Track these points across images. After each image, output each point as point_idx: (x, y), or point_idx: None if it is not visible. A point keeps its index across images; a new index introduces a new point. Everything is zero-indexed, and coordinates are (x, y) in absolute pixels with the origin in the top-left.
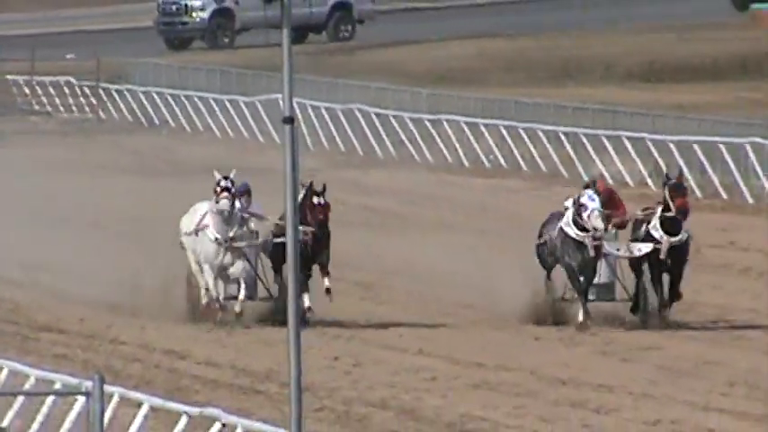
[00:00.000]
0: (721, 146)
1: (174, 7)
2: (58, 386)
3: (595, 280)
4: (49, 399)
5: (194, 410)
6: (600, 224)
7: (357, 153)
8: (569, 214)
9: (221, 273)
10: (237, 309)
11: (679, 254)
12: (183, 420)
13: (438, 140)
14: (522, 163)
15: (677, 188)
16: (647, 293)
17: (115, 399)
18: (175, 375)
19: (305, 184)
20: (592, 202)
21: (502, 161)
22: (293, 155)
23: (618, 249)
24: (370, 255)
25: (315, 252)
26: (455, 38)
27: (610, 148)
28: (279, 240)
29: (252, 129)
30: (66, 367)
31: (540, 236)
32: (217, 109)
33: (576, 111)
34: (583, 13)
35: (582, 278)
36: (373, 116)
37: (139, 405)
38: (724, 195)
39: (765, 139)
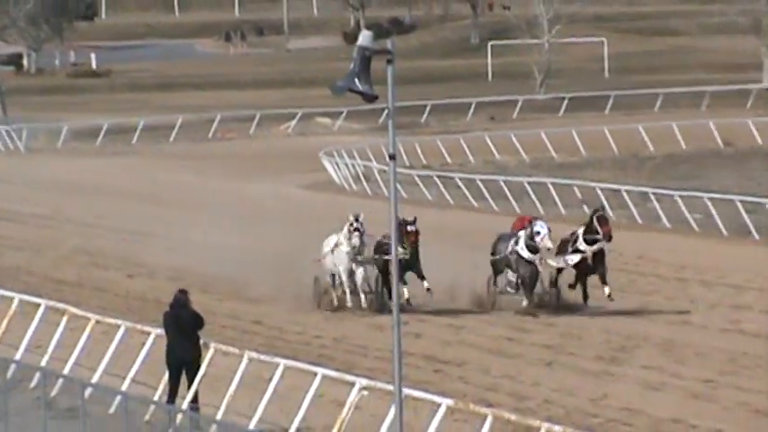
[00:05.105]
0: None
1: None
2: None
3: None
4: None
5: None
6: (550, 244)
7: None
8: (522, 242)
9: (350, 276)
10: (364, 302)
11: (601, 258)
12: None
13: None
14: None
15: (604, 219)
16: (560, 291)
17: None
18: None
19: (408, 220)
20: (543, 229)
21: (42, 146)
22: None
23: (556, 262)
24: None
25: (410, 264)
26: None
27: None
28: (386, 257)
29: None
30: None
31: (494, 253)
32: None
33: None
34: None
35: (529, 283)
36: None
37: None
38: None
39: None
